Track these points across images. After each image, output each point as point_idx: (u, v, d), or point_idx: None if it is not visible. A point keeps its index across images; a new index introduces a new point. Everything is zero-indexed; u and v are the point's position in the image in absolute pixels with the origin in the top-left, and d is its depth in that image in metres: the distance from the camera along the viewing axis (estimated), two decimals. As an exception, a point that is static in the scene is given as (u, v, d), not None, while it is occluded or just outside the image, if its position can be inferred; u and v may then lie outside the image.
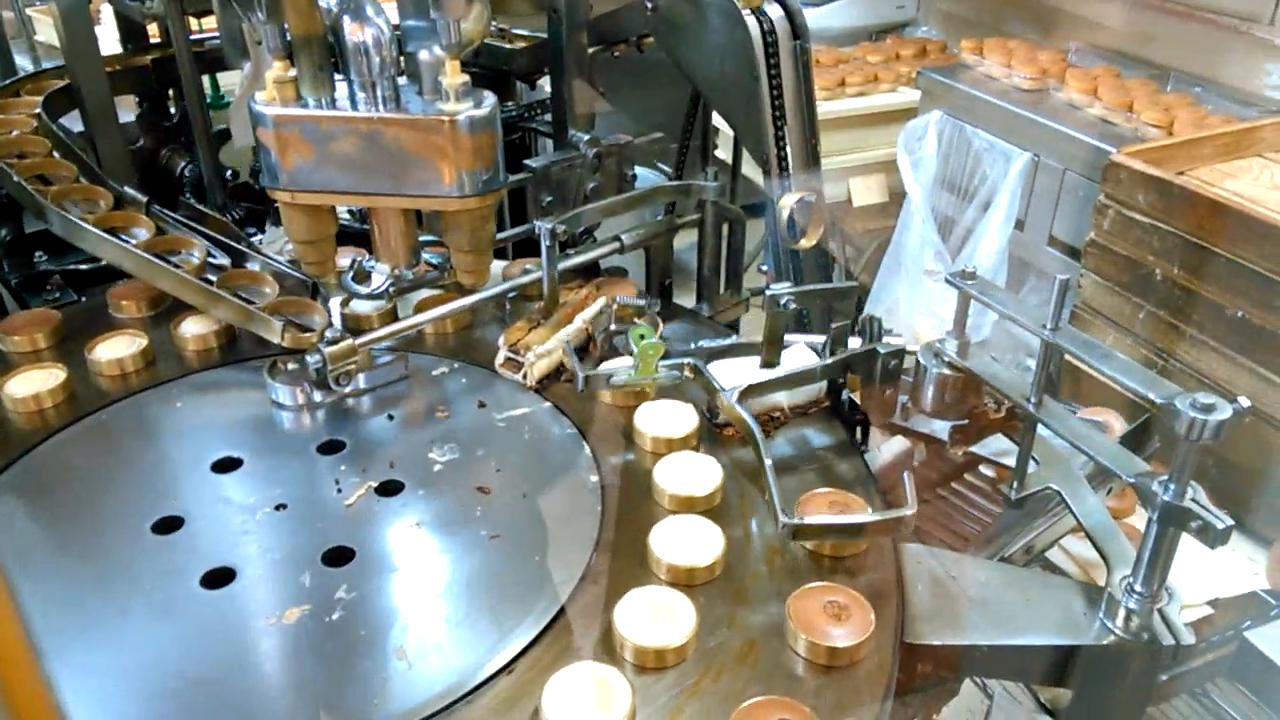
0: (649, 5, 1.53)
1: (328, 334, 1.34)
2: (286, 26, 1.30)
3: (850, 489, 1.17)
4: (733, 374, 1.31)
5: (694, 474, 1.17)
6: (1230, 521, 0.89)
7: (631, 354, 1.29)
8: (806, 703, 0.89)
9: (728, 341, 1.42)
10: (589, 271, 1.63)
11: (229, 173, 2.01)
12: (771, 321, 1.25)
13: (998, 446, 1.41)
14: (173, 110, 2.09)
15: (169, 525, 1.13)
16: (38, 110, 1.68)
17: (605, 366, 1.35)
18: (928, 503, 1.26)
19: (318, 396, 1.36)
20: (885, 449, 1.30)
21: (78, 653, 0.97)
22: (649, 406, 1.29)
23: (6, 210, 1.84)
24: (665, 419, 1.27)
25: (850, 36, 3.70)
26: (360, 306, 1.53)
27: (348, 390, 1.36)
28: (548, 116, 1.96)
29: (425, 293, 1.56)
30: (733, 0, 1.42)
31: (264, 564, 1.07)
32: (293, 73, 1.33)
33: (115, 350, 1.44)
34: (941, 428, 1.31)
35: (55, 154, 1.59)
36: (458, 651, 0.97)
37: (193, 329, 1.49)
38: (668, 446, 1.24)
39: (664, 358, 1.29)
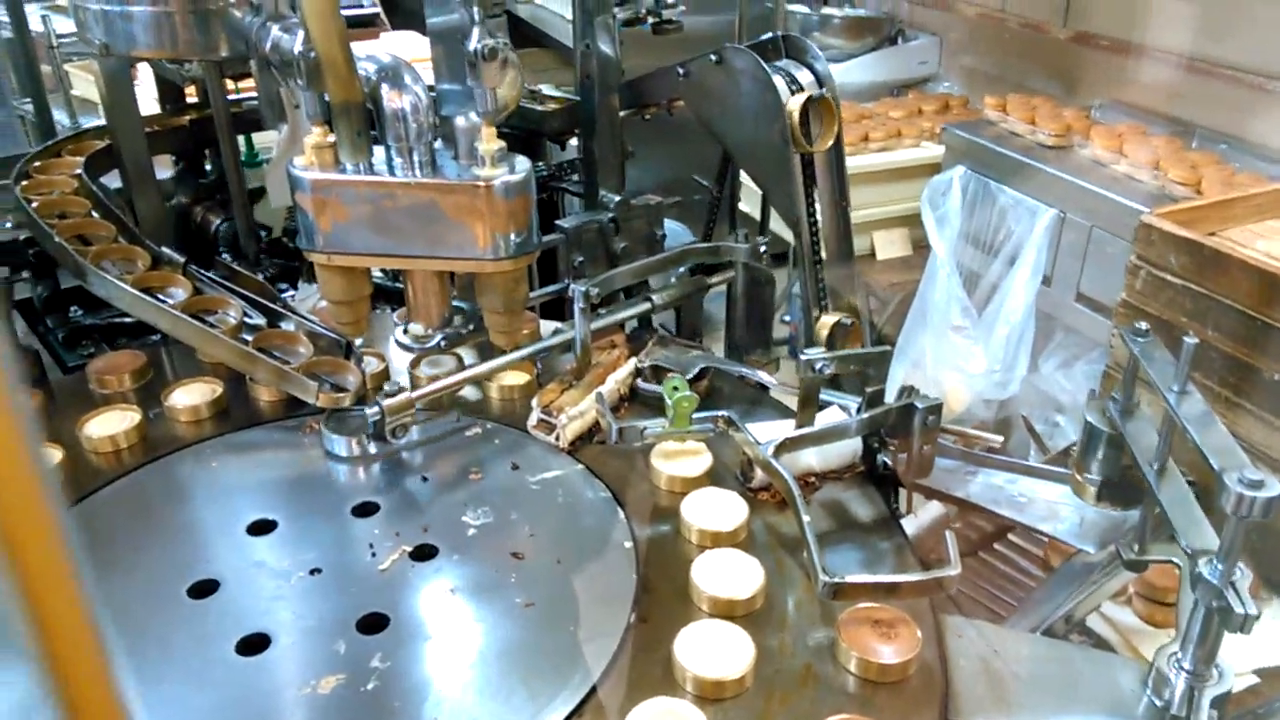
0: (680, 70, 1.55)
1: (386, 386, 1.35)
2: (326, 93, 1.33)
3: (887, 556, 1.16)
4: (765, 434, 1.31)
5: (732, 568, 1.12)
6: (1255, 611, 0.87)
7: (667, 405, 1.29)
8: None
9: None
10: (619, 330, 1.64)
11: (262, 230, 2.04)
12: (806, 384, 1.25)
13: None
14: (208, 168, 2.12)
15: (205, 589, 1.13)
16: (79, 171, 1.71)
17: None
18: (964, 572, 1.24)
19: (374, 448, 1.36)
20: (922, 514, 1.29)
21: None
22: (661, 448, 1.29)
23: (44, 267, 1.87)
24: (683, 462, 1.28)
25: (872, 92, 3.74)
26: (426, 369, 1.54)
27: (402, 443, 1.37)
28: (576, 176, 1.98)
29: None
30: (763, 66, 1.44)
31: (298, 630, 1.07)
32: (331, 138, 1.35)
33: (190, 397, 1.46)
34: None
35: (95, 214, 1.62)
36: (495, 724, 0.96)
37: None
38: (685, 485, 1.25)
39: (697, 410, 1.29)
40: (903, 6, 4.14)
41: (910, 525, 1.27)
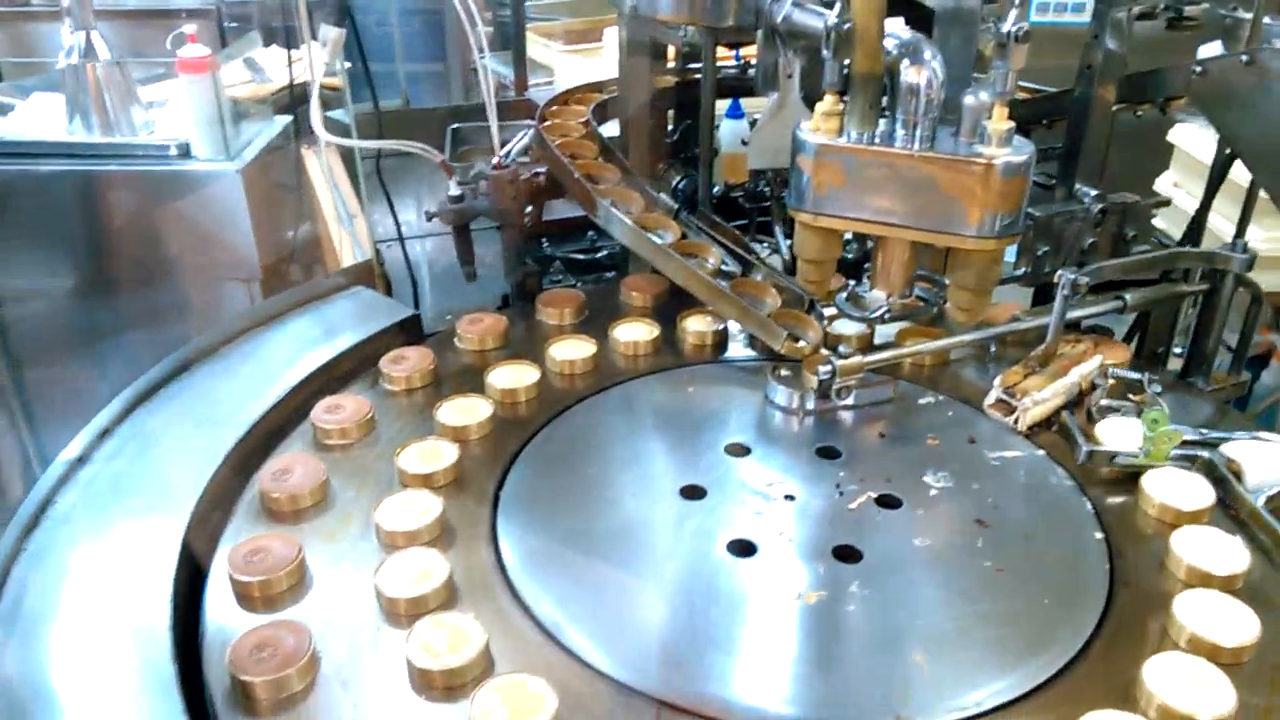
0: (1196, 69, 1.49)
1: (841, 349, 1.44)
2: (846, 64, 1.42)
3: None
4: (1254, 457, 1.25)
5: (1212, 545, 1.13)
6: None
7: (1144, 436, 1.27)
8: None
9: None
10: (1072, 325, 1.61)
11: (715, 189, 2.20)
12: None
13: None
14: (670, 129, 2.32)
15: (693, 493, 1.27)
16: (587, 118, 1.95)
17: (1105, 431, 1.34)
18: None
19: (811, 404, 1.46)
20: None
21: (611, 588, 1.13)
22: (1156, 473, 1.26)
23: (535, 198, 2.14)
24: (1176, 488, 1.23)
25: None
26: (843, 327, 1.63)
27: (841, 403, 1.45)
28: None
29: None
30: (1305, 69, 1.35)
31: (781, 544, 1.18)
32: (840, 106, 1.44)
33: (632, 334, 1.64)
34: None
35: (599, 158, 1.84)
36: (973, 671, 1.01)
37: (694, 326, 1.66)
38: (1176, 517, 1.20)
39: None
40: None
41: None
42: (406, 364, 1.55)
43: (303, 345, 1.59)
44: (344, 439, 1.39)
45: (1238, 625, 1.01)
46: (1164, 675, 0.95)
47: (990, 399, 1.42)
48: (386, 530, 1.20)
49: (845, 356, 1.42)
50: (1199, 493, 1.22)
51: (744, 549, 1.17)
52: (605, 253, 2.25)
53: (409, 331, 1.68)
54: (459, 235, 1.75)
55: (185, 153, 2.59)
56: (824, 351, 1.48)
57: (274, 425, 1.43)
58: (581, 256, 2.28)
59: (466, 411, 1.43)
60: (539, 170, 1.84)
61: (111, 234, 2.63)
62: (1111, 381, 1.40)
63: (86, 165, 2.58)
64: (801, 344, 1.54)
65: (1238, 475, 1.22)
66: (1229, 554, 1.11)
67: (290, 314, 1.68)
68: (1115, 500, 1.25)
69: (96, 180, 2.59)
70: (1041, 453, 1.35)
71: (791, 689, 1.00)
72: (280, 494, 1.26)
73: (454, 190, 1.71)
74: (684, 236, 1.70)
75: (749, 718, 0.95)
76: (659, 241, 1.64)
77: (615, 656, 1.02)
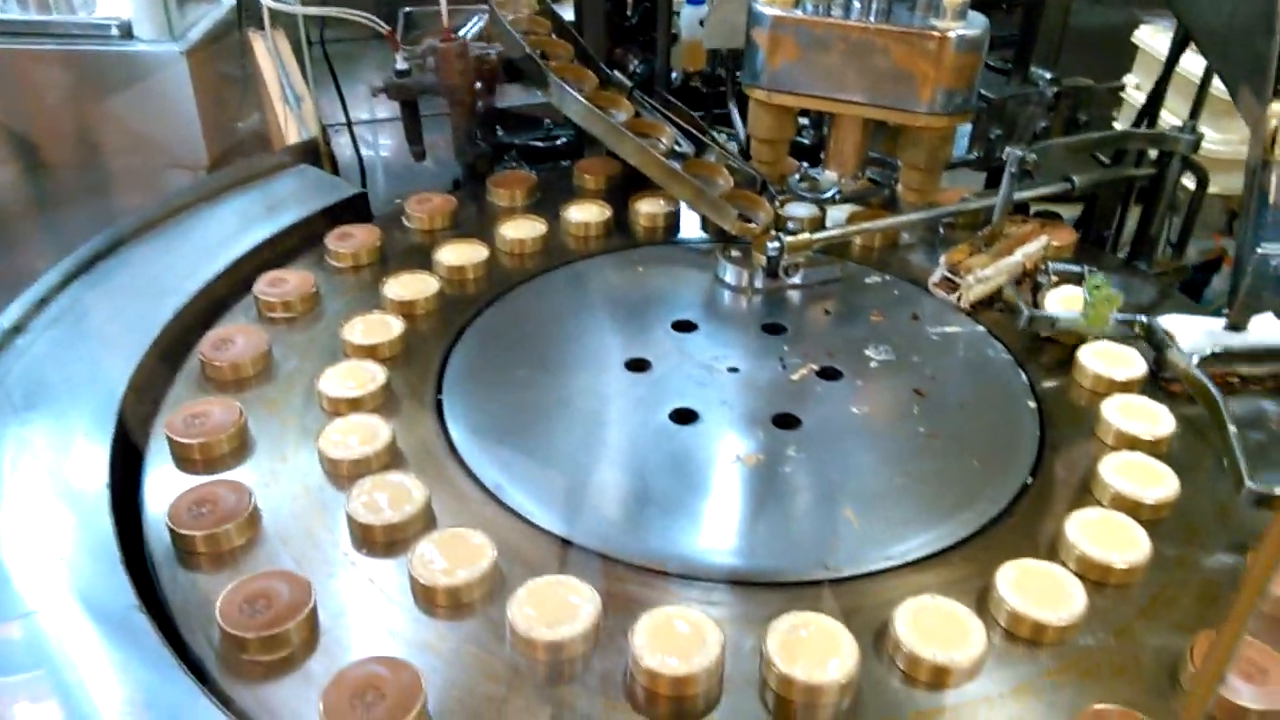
0: (1154, -55, 1.47)
1: (790, 226, 1.43)
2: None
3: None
4: (1188, 329, 1.27)
5: (1139, 411, 1.17)
6: None
7: (1085, 301, 1.29)
8: None
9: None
10: (1021, 209, 1.62)
11: (674, 75, 2.15)
12: (1251, 282, 1.19)
13: None
14: (629, 13, 2.26)
15: (638, 366, 1.28)
16: (540, -4, 1.89)
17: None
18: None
19: (759, 282, 1.46)
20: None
21: (553, 453, 1.14)
22: (1091, 346, 1.28)
23: (485, 77, 2.08)
24: (1109, 360, 1.26)
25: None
26: (794, 210, 1.62)
27: (789, 282, 1.45)
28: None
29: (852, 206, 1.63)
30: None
31: (723, 412, 1.19)
32: (797, -22, 1.41)
33: (583, 215, 1.62)
34: None
35: (553, 35, 1.79)
36: (900, 526, 1.03)
37: (646, 208, 1.65)
38: (1109, 387, 1.23)
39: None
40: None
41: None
42: (353, 240, 1.53)
43: (245, 221, 1.56)
44: (287, 312, 1.38)
45: (1159, 484, 1.05)
46: (1085, 529, 0.98)
47: (935, 277, 1.43)
48: (330, 397, 1.20)
49: (793, 233, 1.41)
50: (1132, 364, 1.24)
51: (686, 417, 1.18)
52: (562, 140, 2.21)
53: (356, 210, 1.65)
54: (407, 113, 1.71)
55: (127, 32, 2.48)
56: (774, 232, 1.47)
57: (215, 298, 1.41)
58: (540, 144, 2.24)
59: (413, 287, 1.42)
60: (490, 48, 1.79)
61: (49, 117, 2.54)
62: (1055, 278, 1.41)
63: (23, 44, 2.47)
64: (752, 224, 1.53)
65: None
66: (1156, 420, 1.14)
67: (233, 190, 1.64)
68: (1051, 372, 1.27)
69: (33, 60, 2.48)
70: (982, 329, 1.36)
71: (726, 542, 1.02)
72: (222, 363, 1.25)
73: (400, 65, 1.66)
74: (637, 115, 1.67)
75: (683, 567, 0.97)
76: (612, 120, 1.61)
77: (555, 513, 1.04)
